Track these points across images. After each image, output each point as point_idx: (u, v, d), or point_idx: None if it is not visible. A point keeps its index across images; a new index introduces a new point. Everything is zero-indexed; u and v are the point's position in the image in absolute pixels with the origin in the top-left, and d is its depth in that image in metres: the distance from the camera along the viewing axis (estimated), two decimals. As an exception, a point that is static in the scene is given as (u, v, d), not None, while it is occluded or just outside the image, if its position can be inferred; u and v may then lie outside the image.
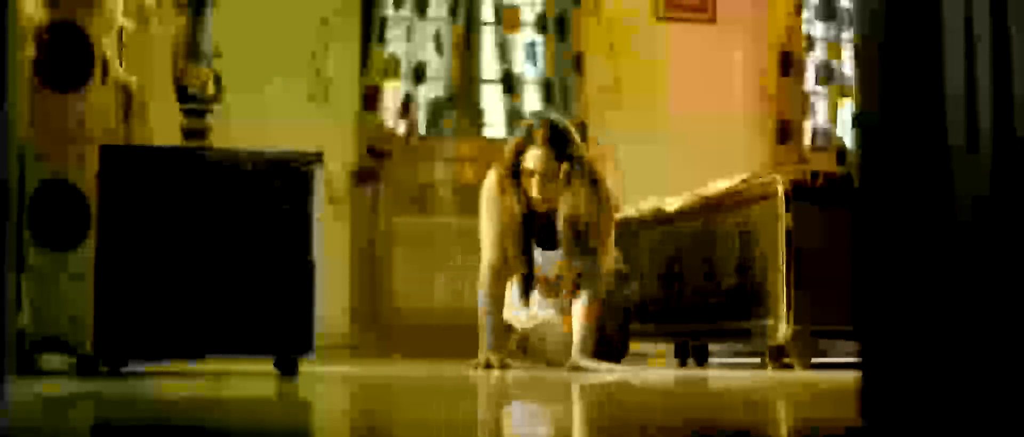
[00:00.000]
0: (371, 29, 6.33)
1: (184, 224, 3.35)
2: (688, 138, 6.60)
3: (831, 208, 4.06)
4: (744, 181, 4.42)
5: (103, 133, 3.36)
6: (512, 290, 4.25)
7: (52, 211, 3.21)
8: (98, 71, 3.28)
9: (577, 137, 4.21)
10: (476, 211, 4.23)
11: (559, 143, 4.09)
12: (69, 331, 3.21)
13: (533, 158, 4.08)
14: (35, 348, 3.20)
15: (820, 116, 7.02)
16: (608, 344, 4.22)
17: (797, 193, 4.09)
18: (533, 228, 4.16)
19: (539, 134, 4.09)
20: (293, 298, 3.39)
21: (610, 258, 4.21)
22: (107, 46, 3.37)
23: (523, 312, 4.26)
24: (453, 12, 6.44)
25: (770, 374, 3.78)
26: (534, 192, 4.08)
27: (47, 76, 3.22)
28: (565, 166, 4.07)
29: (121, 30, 3.61)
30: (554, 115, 4.46)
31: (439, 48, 6.41)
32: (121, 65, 3.58)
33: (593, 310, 4.07)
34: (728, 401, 2.50)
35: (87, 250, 3.23)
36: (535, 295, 4.23)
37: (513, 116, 6.46)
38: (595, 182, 4.14)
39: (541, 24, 6.59)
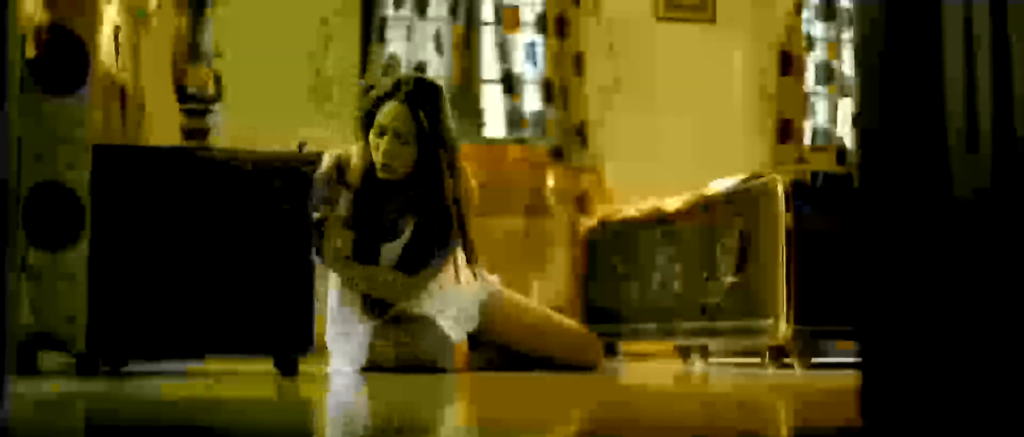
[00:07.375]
0: (371, 29, 6.32)
1: (182, 224, 3.35)
2: (688, 138, 6.60)
3: (831, 208, 4.06)
4: (744, 181, 4.41)
5: (98, 134, 3.36)
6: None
7: (46, 212, 3.20)
8: (92, 74, 3.28)
9: (449, 112, 3.75)
10: (475, 210, 4.03)
11: (424, 105, 3.65)
12: (63, 329, 3.21)
13: (389, 112, 3.65)
14: (30, 345, 3.20)
15: (820, 116, 7.02)
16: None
17: (797, 193, 4.08)
18: (368, 200, 3.71)
19: (405, 90, 3.64)
20: (293, 298, 3.39)
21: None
22: (102, 48, 3.37)
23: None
24: (453, 12, 6.44)
25: (770, 374, 3.78)
26: (381, 154, 3.65)
27: (41, 79, 3.21)
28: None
29: (117, 30, 3.60)
30: (430, 78, 3.93)
31: (439, 48, 6.41)
32: (118, 65, 3.58)
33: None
34: (727, 401, 2.50)
35: (80, 250, 3.22)
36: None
37: (513, 116, 6.45)
38: (453, 169, 3.74)
39: (541, 24, 6.58)
